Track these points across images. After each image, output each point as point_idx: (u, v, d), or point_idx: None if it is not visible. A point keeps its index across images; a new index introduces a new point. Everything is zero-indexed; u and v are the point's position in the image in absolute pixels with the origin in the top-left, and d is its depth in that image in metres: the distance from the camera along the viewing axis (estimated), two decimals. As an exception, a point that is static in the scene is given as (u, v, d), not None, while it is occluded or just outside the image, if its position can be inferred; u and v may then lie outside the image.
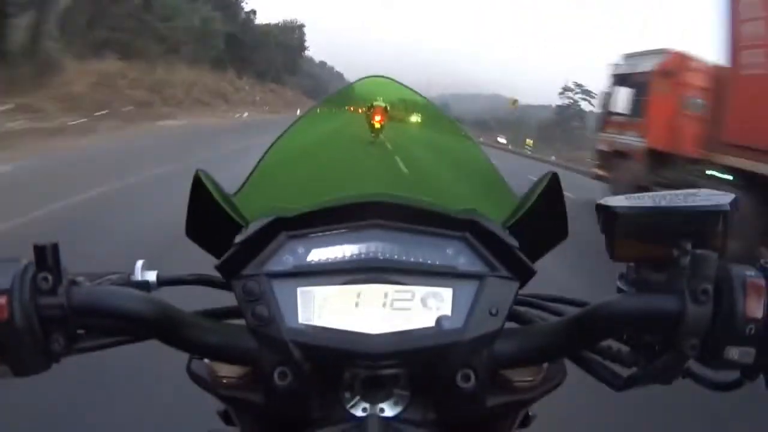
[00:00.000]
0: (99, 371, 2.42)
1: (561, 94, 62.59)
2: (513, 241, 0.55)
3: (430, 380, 0.52)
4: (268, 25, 51.78)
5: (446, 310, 0.52)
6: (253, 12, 46.88)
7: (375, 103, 0.91)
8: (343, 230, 0.57)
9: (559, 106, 63.62)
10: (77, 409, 2.36)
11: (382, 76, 0.79)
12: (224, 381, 0.56)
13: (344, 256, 0.55)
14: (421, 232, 0.57)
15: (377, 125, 0.91)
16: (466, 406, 0.53)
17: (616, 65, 10.55)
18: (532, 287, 0.59)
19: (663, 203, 0.54)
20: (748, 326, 0.48)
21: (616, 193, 7.21)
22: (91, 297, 0.51)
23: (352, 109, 0.92)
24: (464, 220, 0.57)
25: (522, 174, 6.84)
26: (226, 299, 0.60)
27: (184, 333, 0.53)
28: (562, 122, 61.10)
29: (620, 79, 10.25)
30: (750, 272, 0.50)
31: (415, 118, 0.89)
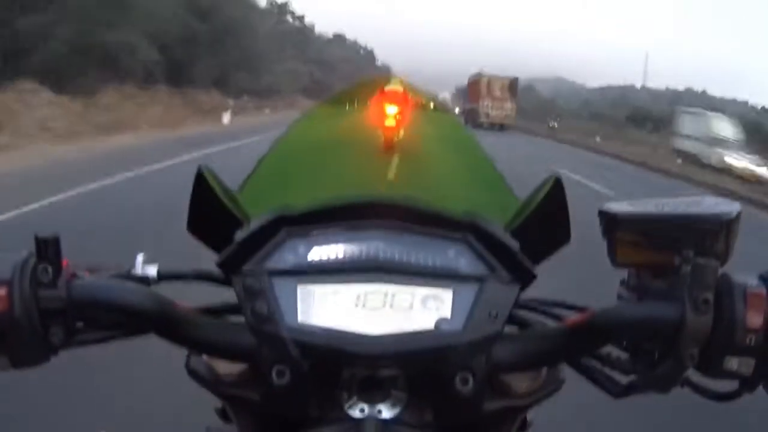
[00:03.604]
0: (96, 365, 2.42)
1: None
2: (514, 244, 0.55)
3: (429, 382, 0.52)
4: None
5: (446, 312, 0.52)
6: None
7: (388, 87, 0.76)
8: (345, 229, 0.57)
9: None
10: (73, 402, 2.36)
11: (386, 76, 0.78)
12: (222, 378, 0.56)
13: (345, 256, 0.55)
14: (422, 233, 0.57)
15: (391, 120, 0.74)
16: (464, 410, 0.53)
17: None
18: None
19: (666, 210, 0.54)
20: (748, 336, 0.48)
21: None
22: (90, 290, 0.51)
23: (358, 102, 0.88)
24: (466, 222, 0.57)
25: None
26: (226, 296, 0.60)
27: (183, 328, 0.53)
28: None
29: None
30: (751, 282, 0.50)
31: (420, 118, 0.88)
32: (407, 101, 0.80)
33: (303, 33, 50.25)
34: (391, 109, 0.79)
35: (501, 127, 31.65)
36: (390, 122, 0.78)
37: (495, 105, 32.60)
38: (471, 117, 32.82)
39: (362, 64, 58.95)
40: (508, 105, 33.05)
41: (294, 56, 41.62)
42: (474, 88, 34.67)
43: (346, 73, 46.51)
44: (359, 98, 0.86)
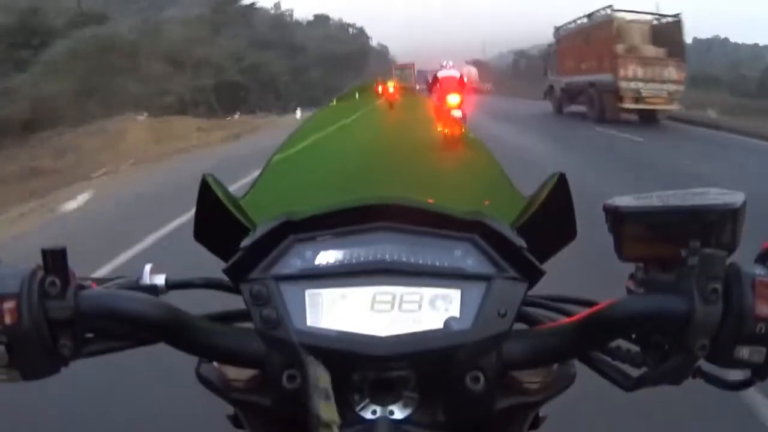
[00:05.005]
0: (107, 374, 2.42)
1: None
2: (521, 242, 0.55)
3: (439, 382, 0.52)
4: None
5: (455, 311, 0.52)
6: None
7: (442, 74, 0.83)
8: (351, 232, 0.57)
9: None
10: (84, 412, 2.36)
11: (385, 79, 0.79)
12: (233, 384, 0.57)
13: (352, 259, 0.55)
14: (429, 234, 0.57)
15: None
16: (476, 408, 0.53)
17: None
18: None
19: (672, 202, 0.54)
20: (758, 325, 0.48)
21: None
22: (99, 301, 0.51)
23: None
24: (472, 222, 0.57)
25: None
26: (234, 303, 0.60)
27: (193, 336, 0.53)
28: None
29: None
30: (759, 271, 0.50)
31: (422, 118, 0.88)
32: (464, 86, 0.77)
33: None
34: (453, 99, 0.78)
35: (649, 118, 14.86)
36: (456, 112, 0.78)
37: (648, 73, 14.46)
38: (584, 102, 15.99)
39: (353, 44, 43.82)
40: (672, 71, 14.69)
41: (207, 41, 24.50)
42: (584, 45, 16.24)
43: (334, 57, 33.09)
44: (365, 101, 0.87)
